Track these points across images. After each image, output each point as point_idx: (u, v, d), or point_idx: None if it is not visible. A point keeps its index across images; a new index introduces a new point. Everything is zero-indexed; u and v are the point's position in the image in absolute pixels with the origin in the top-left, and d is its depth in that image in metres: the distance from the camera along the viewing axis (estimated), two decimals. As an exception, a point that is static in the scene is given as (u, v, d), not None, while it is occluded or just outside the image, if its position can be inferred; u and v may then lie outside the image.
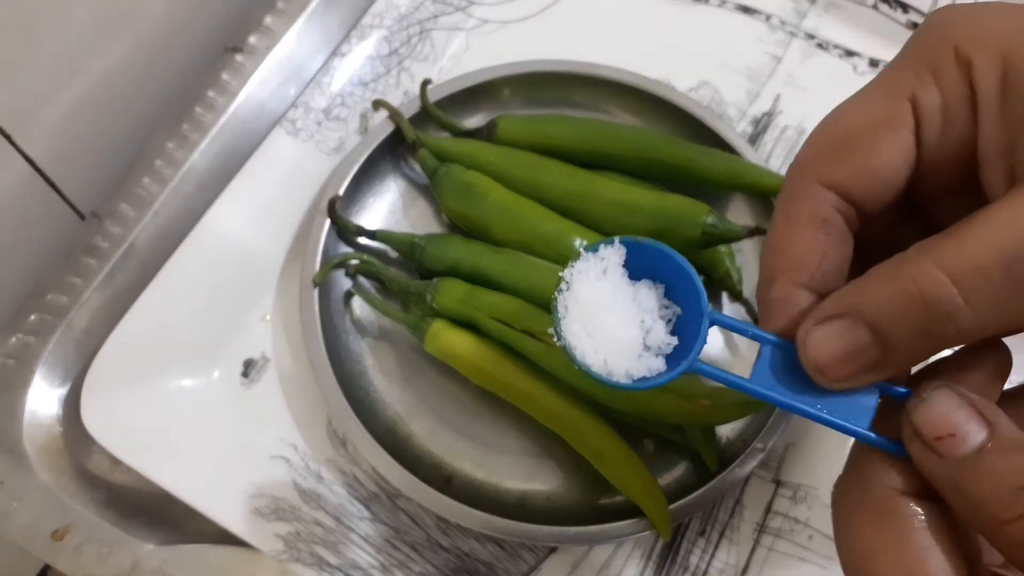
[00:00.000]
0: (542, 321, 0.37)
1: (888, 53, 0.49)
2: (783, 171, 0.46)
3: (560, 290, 0.25)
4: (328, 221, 0.42)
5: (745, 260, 0.43)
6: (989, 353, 0.23)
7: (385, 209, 0.45)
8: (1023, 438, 0.20)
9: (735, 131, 0.45)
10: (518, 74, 0.46)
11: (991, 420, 0.21)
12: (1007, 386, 0.24)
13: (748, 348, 0.42)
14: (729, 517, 0.40)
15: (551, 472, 0.40)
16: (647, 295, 0.25)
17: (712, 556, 0.39)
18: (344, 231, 0.43)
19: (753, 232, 0.39)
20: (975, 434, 0.21)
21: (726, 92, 0.48)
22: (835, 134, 0.24)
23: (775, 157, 0.47)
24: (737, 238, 0.39)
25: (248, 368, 0.42)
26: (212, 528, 0.39)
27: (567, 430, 0.38)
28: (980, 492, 0.20)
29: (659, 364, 0.24)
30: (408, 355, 0.42)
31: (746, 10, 0.50)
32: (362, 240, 0.43)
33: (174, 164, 0.45)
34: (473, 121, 0.46)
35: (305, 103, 0.46)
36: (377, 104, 0.46)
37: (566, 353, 0.25)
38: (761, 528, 0.40)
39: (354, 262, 0.42)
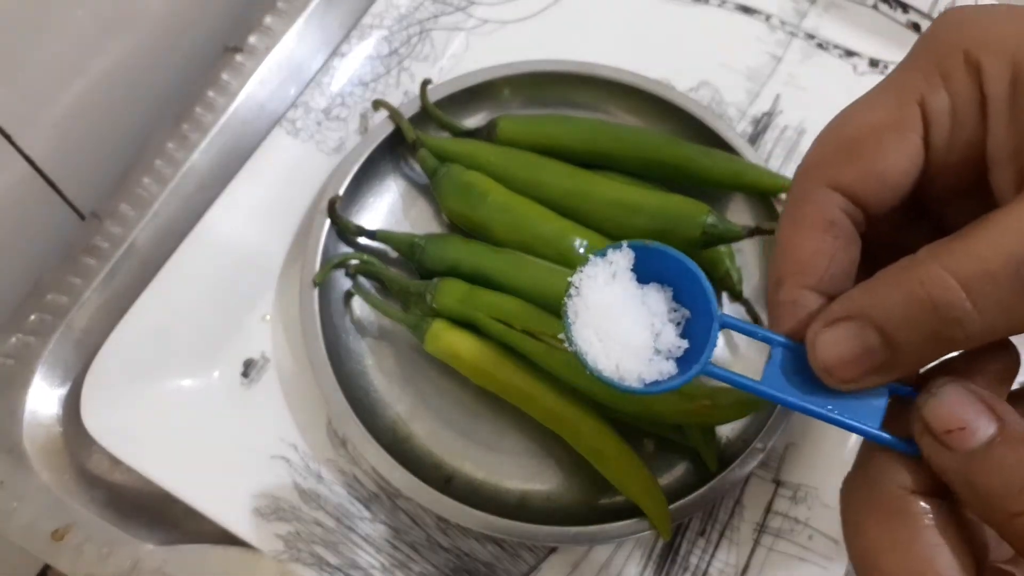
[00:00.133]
0: (542, 321, 0.38)
1: (888, 53, 0.49)
2: (783, 171, 0.46)
3: (569, 295, 0.25)
4: (328, 221, 0.42)
5: (745, 260, 0.43)
6: (998, 353, 0.23)
7: (385, 209, 0.45)
8: None
9: (735, 131, 0.45)
10: (518, 74, 0.46)
11: (1000, 414, 0.21)
12: (1014, 386, 0.24)
13: (748, 347, 0.42)
14: (729, 517, 0.40)
15: (551, 472, 0.40)
16: (656, 298, 0.25)
17: (712, 556, 0.39)
18: (344, 231, 0.43)
19: (753, 232, 0.39)
20: (985, 428, 0.21)
21: (726, 92, 0.48)
22: (843, 137, 0.24)
23: (775, 157, 0.47)
24: (737, 238, 0.39)
25: (248, 368, 0.42)
26: (212, 528, 0.39)
27: (567, 430, 0.38)
28: (990, 485, 0.20)
29: (670, 367, 0.24)
30: (408, 355, 0.42)
31: (746, 10, 0.50)
32: (362, 240, 0.43)
33: (174, 164, 0.45)
34: (473, 121, 0.46)
35: (305, 103, 0.46)
36: (377, 104, 0.46)
37: (578, 359, 0.25)
38: (761, 528, 0.40)
39: (354, 262, 0.42)
